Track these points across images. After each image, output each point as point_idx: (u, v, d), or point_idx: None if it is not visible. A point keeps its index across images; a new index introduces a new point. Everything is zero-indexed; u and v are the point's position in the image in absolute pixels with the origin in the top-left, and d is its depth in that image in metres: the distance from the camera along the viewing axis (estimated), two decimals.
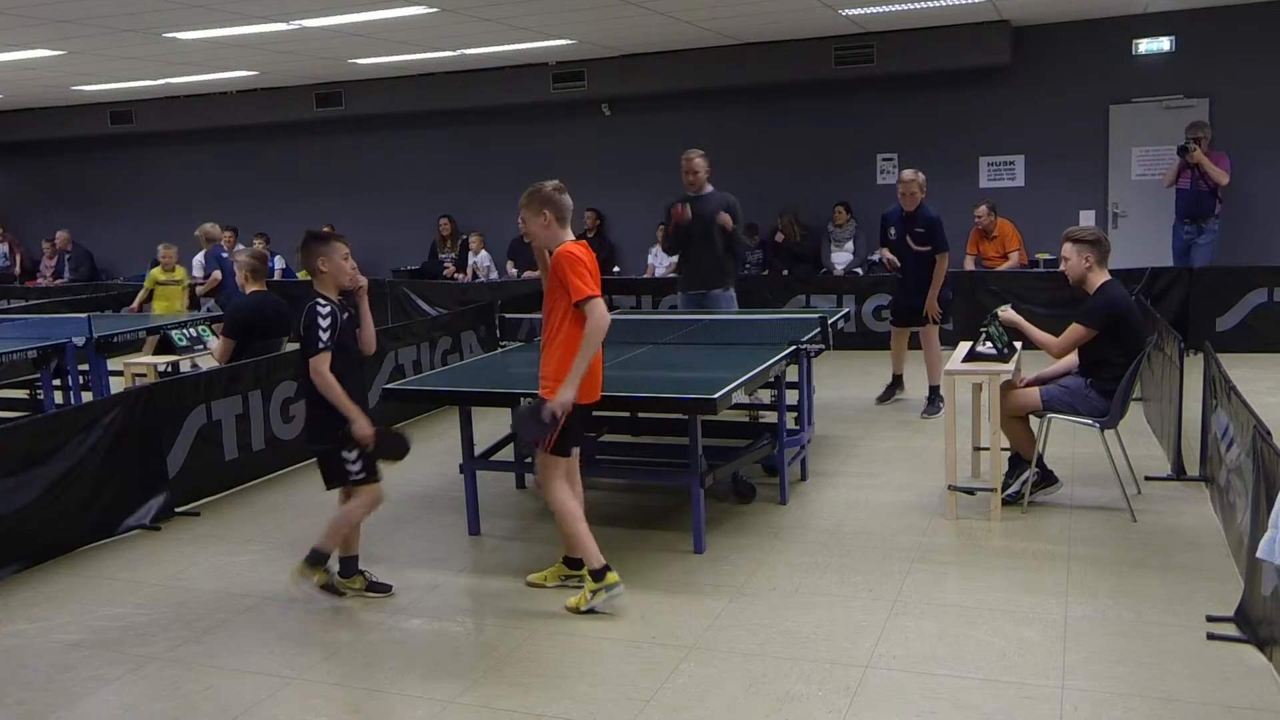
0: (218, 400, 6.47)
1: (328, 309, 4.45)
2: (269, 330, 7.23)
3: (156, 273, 10.57)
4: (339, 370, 4.44)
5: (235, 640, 4.41)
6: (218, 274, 10.58)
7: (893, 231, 7.92)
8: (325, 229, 14.10)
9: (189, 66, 11.65)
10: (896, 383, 8.24)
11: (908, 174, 7.77)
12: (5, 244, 16.09)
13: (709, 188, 7.65)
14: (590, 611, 4.43)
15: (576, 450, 4.64)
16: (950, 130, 11.97)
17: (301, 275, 10.28)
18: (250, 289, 7.19)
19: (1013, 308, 5.75)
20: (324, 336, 4.39)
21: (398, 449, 4.65)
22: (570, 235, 4.42)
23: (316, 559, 4.64)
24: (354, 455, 4.52)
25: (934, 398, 7.78)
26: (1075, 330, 5.34)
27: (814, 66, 11.77)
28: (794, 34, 11.40)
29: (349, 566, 4.80)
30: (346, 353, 4.53)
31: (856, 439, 7.10)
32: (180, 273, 10.68)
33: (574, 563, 4.72)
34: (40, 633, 4.56)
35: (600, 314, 4.29)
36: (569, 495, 4.53)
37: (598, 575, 4.44)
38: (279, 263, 14.05)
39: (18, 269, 16.18)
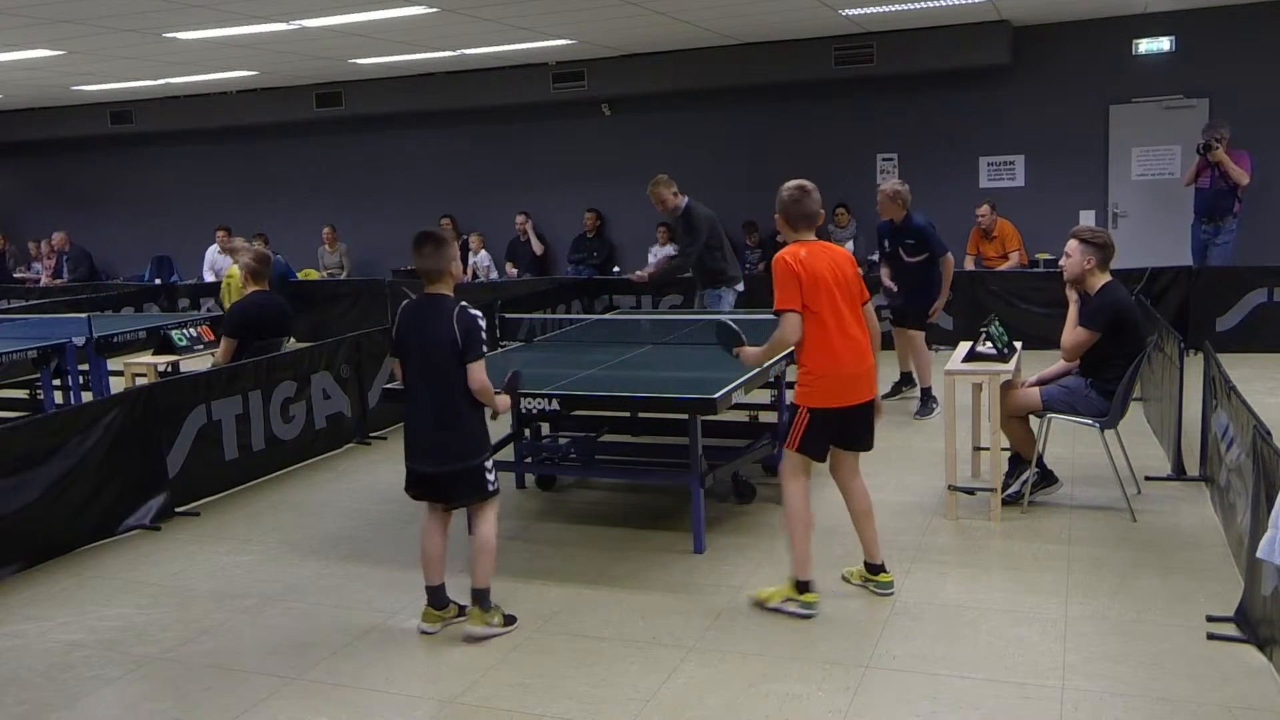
0: (218, 400, 6.47)
1: (481, 314, 4.25)
2: (270, 330, 7.23)
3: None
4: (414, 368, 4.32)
5: (235, 640, 4.41)
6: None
7: (886, 243, 7.95)
8: (326, 231, 14.17)
9: (189, 66, 11.65)
10: (904, 379, 8.26)
11: (885, 188, 7.75)
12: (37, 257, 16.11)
13: (684, 201, 7.83)
14: (774, 610, 4.38)
15: (845, 454, 4.49)
16: (950, 130, 11.96)
17: (306, 275, 10.05)
18: (251, 289, 7.19)
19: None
20: (485, 341, 4.23)
21: (516, 391, 4.64)
22: (803, 237, 4.36)
23: (483, 599, 4.29)
24: (491, 465, 4.32)
25: (927, 399, 7.80)
26: (1079, 334, 5.33)
27: (814, 66, 11.77)
28: (794, 34, 11.40)
29: (439, 596, 4.43)
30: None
31: None
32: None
33: (874, 568, 4.57)
34: (40, 633, 4.56)
35: (787, 327, 4.25)
36: (801, 497, 4.39)
37: (800, 587, 4.36)
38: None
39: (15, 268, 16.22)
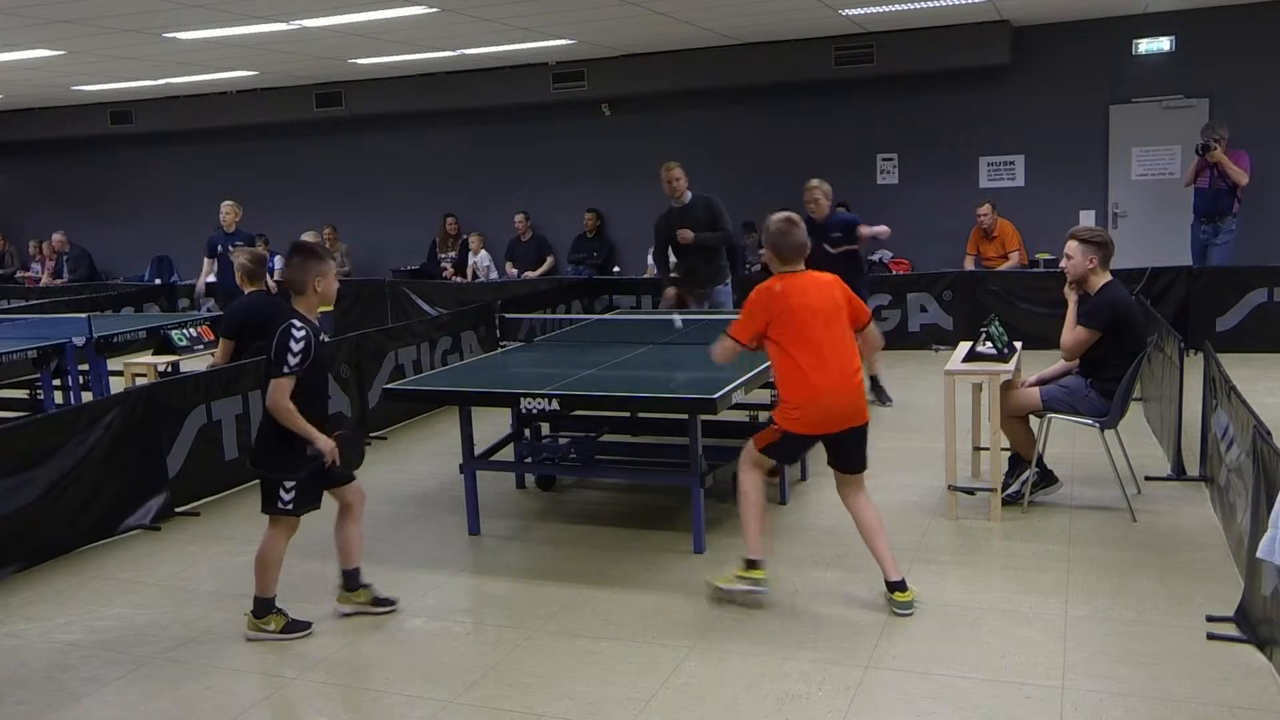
0: (218, 400, 6.47)
1: (303, 333, 4.21)
2: (268, 330, 7.20)
3: None
4: (309, 388, 4.27)
5: (235, 640, 4.40)
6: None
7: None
8: (327, 231, 14.13)
9: (189, 66, 11.65)
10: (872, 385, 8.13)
11: (813, 184, 7.91)
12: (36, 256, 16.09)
13: (688, 195, 8.09)
14: (727, 595, 4.49)
15: (843, 476, 4.52)
16: (950, 130, 11.96)
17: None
18: (248, 290, 7.18)
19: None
20: (293, 362, 4.17)
21: (356, 454, 4.48)
22: (790, 268, 4.43)
23: (262, 608, 4.41)
24: (290, 486, 4.28)
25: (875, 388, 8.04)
26: (1080, 334, 5.33)
27: (814, 66, 11.77)
28: (794, 34, 11.40)
29: (352, 580, 4.59)
30: (318, 370, 4.37)
31: None
32: None
33: (891, 585, 4.42)
34: (40, 633, 4.56)
35: (720, 347, 4.49)
36: (754, 484, 4.53)
37: (749, 565, 4.48)
38: (279, 263, 14.01)
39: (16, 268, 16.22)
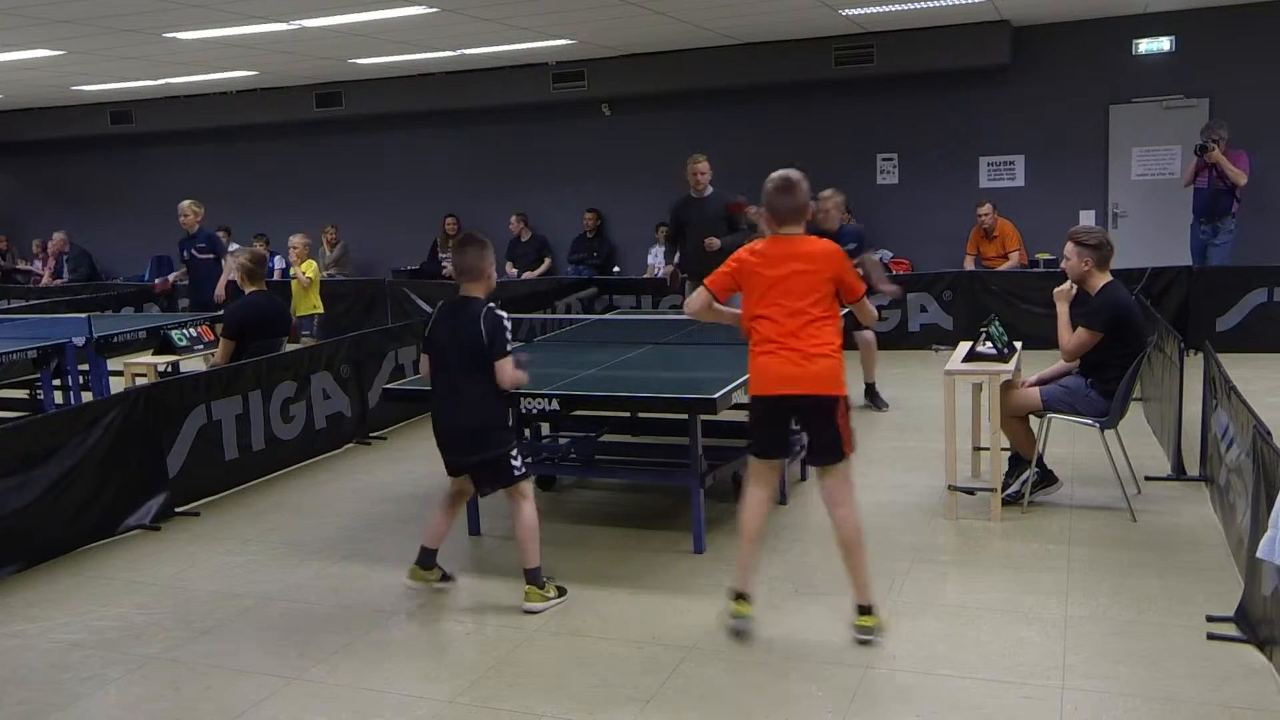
0: (218, 400, 6.47)
1: (504, 313, 4.48)
2: (268, 330, 7.23)
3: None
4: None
5: (235, 640, 4.41)
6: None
7: None
8: (328, 231, 14.11)
9: (189, 66, 11.65)
10: (869, 391, 8.03)
11: (826, 194, 7.85)
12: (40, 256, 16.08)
13: (710, 189, 8.16)
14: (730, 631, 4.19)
15: (819, 472, 4.24)
16: (950, 130, 11.96)
17: (306, 270, 9.70)
18: (249, 289, 7.19)
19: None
20: (510, 339, 4.46)
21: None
22: (787, 230, 4.18)
23: (538, 576, 4.58)
24: (516, 452, 4.57)
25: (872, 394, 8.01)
26: (1080, 334, 5.33)
27: (814, 66, 11.77)
28: (794, 34, 11.40)
29: (429, 559, 4.80)
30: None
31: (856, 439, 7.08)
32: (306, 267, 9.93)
33: (859, 608, 4.15)
34: (40, 633, 4.56)
35: (690, 297, 4.45)
36: (748, 500, 4.25)
37: (734, 596, 4.22)
38: (279, 263, 14.03)
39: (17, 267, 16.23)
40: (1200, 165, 9.92)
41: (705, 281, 4.28)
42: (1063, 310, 5.49)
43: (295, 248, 9.92)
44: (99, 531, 5.66)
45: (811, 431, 4.16)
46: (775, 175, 4.23)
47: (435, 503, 6.17)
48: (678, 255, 8.63)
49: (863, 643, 4.04)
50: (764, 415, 4.19)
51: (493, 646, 4.25)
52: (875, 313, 4.45)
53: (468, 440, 4.53)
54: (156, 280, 10.43)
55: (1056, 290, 5.56)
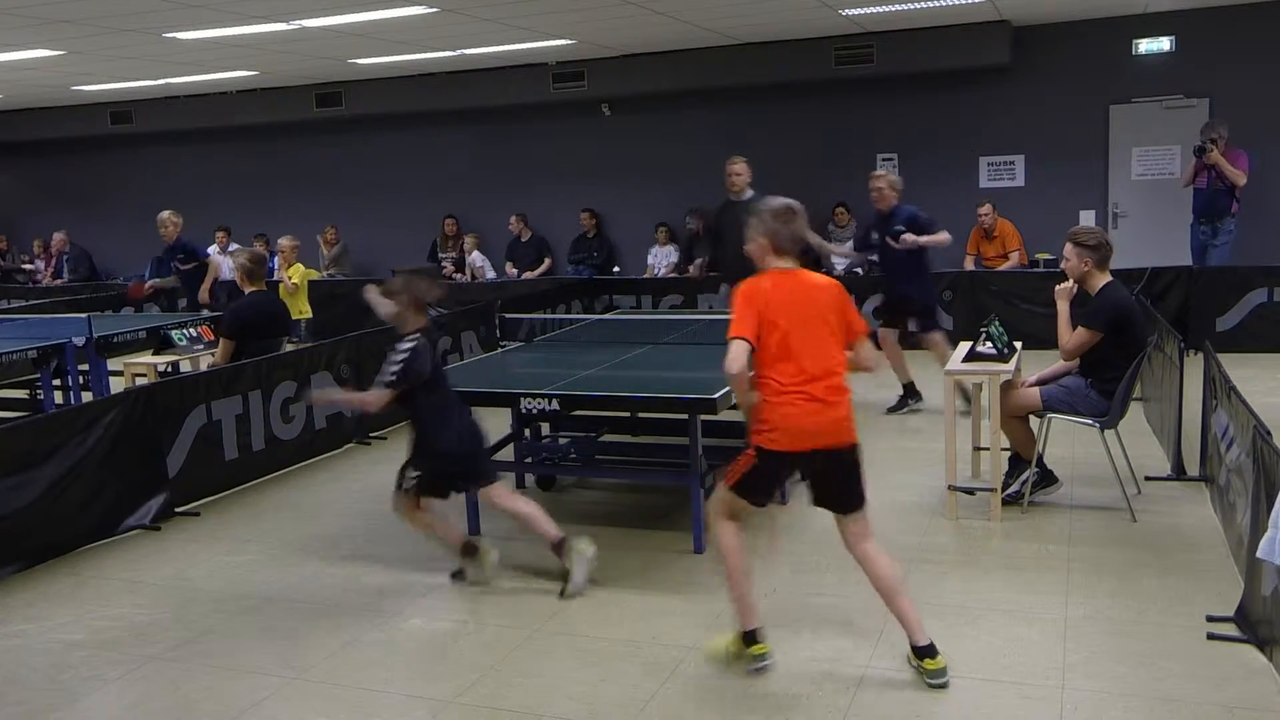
0: (218, 400, 6.47)
1: (407, 346, 4.56)
2: (268, 330, 7.23)
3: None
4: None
5: (235, 640, 4.41)
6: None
7: (874, 235, 7.98)
8: (328, 232, 14.06)
9: (189, 66, 11.65)
10: (910, 391, 7.96)
11: (876, 173, 7.89)
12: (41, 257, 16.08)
13: (749, 192, 7.90)
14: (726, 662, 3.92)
15: (841, 519, 3.90)
16: (950, 130, 11.96)
17: (293, 275, 9.58)
18: (249, 289, 7.19)
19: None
20: (395, 370, 4.54)
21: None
22: (781, 264, 3.88)
23: (560, 546, 4.79)
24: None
25: (913, 393, 7.93)
26: (1080, 334, 5.33)
27: (814, 66, 11.77)
28: (794, 34, 11.40)
29: (470, 549, 4.93)
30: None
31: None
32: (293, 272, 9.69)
33: (918, 650, 3.83)
34: (40, 633, 4.56)
35: (729, 354, 3.73)
36: (732, 536, 3.90)
37: (747, 638, 3.88)
38: (278, 263, 14.01)
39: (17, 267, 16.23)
40: (1199, 166, 9.93)
41: (735, 333, 3.77)
42: (1063, 308, 5.48)
43: (282, 251, 9.82)
44: (99, 531, 5.66)
45: (836, 479, 3.86)
46: (776, 202, 3.93)
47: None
48: (706, 258, 8.65)
49: (938, 687, 3.72)
50: (782, 468, 3.89)
51: (493, 646, 4.25)
52: (874, 360, 4.09)
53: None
54: (130, 284, 10.32)
55: (1058, 288, 5.56)
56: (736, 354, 3.71)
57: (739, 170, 8.00)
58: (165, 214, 9.82)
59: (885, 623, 4.24)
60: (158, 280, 10.37)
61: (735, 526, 3.92)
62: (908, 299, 7.87)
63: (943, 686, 3.72)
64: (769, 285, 3.83)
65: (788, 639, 4.15)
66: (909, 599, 3.84)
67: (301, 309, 9.66)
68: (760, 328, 3.76)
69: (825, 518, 5.56)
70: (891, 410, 7.92)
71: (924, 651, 3.77)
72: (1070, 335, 5.41)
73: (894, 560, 3.89)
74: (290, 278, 9.57)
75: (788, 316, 3.77)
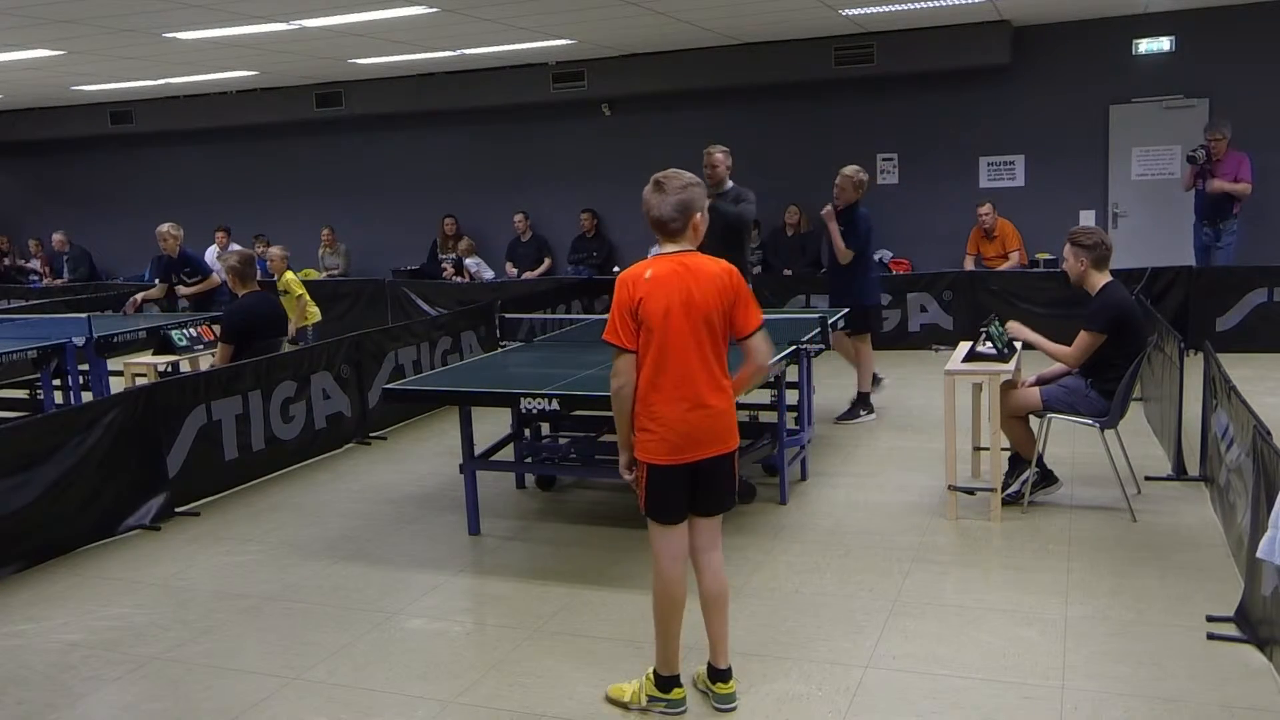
0: (218, 400, 6.47)
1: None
2: (266, 331, 7.23)
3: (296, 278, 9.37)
4: None
5: (235, 640, 4.41)
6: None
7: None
8: (326, 231, 14.06)
9: (189, 66, 11.65)
10: (862, 400, 7.70)
11: (845, 169, 7.69)
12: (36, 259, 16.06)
13: (729, 184, 7.60)
14: (640, 712, 3.61)
15: (700, 520, 3.55)
16: (950, 130, 11.96)
17: (284, 285, 9.32)
18: (242, 291, 7.18)
19: (1016, 321, 5.72)
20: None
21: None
22: (672, 247, 3.49)
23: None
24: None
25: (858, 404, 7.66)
26: (1083, 338, 5.33)
27: (814, 66, 11.77)
28: (794, 34, 11.40)
29: None
30: None
31: (856, 439, 7.10)
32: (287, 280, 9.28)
33: (715, 672, 3.66)
34: (40, 633, 4.56)
35: (615, 369, 3.51)
36: (663, 566, 3.50)
37: (663, 683, 3.58)
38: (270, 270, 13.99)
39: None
40: (1196, 171, 9.95)
41: (608, 336, 3.44)
42: (1039, 341, 5.49)
43: (272, 260, 9.54)
44: (99, 531, 5.66)
45: (715, 482, 3.51)
46: (660, 173, 3.48)
47: (432, 503, 6.20)
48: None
49: (726, 710, 3.57)
50: (678, 480, 3.46)
51: (493, 646, 4.25)
52: (766, 361, 3.64)
53: None
54: (128, 304, 10.17)
55: (1014, 330, 5.56)
56: (623, 368, 3.46)
57: (718, 160, 7.41)
58: (165, 227, 9.48)
59: (886, 623, 4.25)
60: (139, 295, 10.09)
61: (669, 556, 3.50)
62: (848, 298, 7.62)
63: (731, 710, 3.57)
64: (640, 276, 3.41)
65: (788, 639, 4.15)
66: (723, 620, 3.60)
67: (308, 314, 9.58)
68: (638, 331, 3.41)
69: (826, 519, 5.58)
70: (841, 419, 7.61)
71: (720, 675, 3.61)
72: (1062, 349, 5.39)
73: (722, 575, 3.60)
74: (292, 290, 9.36)
75: (665, 307, 3.37)
